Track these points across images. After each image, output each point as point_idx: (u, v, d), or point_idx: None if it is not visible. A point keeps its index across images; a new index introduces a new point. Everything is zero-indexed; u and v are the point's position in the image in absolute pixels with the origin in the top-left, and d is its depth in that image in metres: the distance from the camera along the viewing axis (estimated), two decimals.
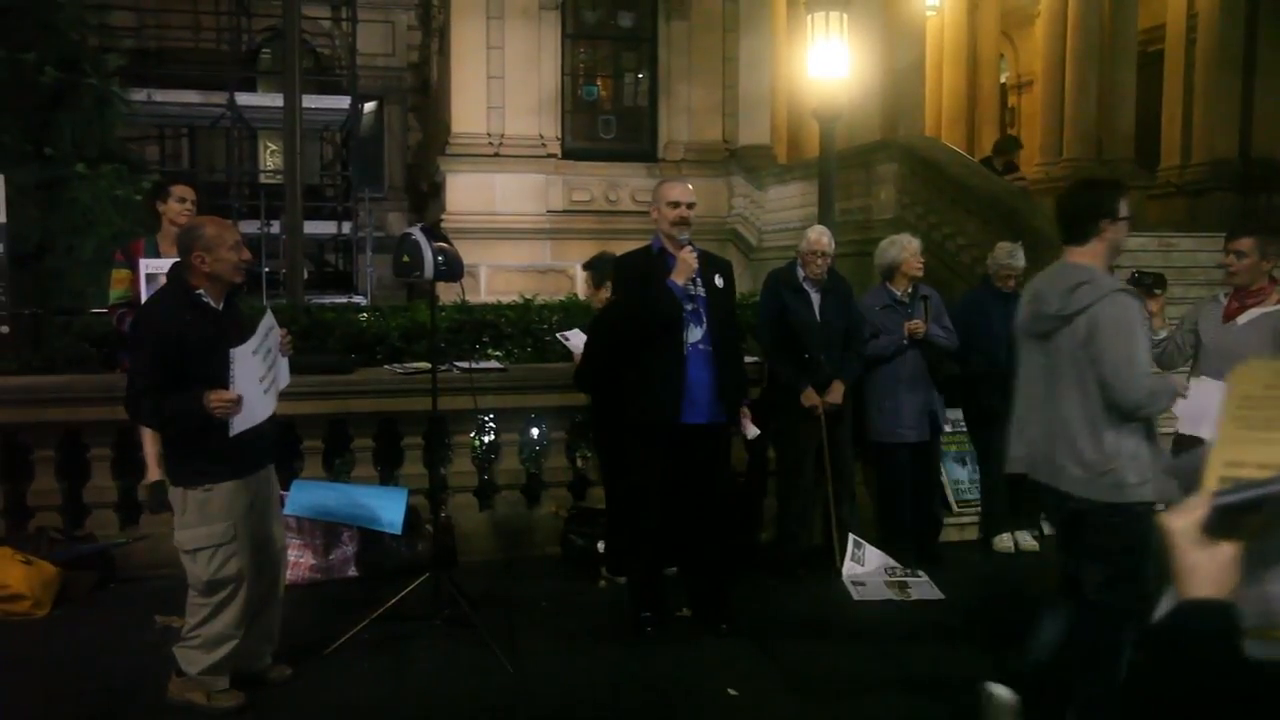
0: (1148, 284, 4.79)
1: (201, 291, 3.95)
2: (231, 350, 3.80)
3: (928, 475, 6.27)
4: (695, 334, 4.79)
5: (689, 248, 4.74)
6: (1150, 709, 1.37)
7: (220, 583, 3.95)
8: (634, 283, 4.91)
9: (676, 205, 4.79)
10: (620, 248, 5.41)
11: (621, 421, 4.99)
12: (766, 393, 6.10)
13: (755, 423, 5.45)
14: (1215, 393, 4.52)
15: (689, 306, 4.77)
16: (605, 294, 5.72)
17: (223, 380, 3.80)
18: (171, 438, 4.03)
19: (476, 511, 6.27)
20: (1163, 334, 4.86)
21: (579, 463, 6.53)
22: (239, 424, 3.83)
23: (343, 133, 17.76)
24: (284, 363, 4.12)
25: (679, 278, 4.69)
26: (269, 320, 4.02)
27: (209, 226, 3.99)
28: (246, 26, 16.63)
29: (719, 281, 4.89)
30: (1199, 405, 4.61)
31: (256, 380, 3.90)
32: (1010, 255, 6.38)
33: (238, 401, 3.79)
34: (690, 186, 4.97)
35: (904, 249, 6.14)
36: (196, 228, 3.99)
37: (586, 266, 6.05)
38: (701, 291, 4.81)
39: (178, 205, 5.21)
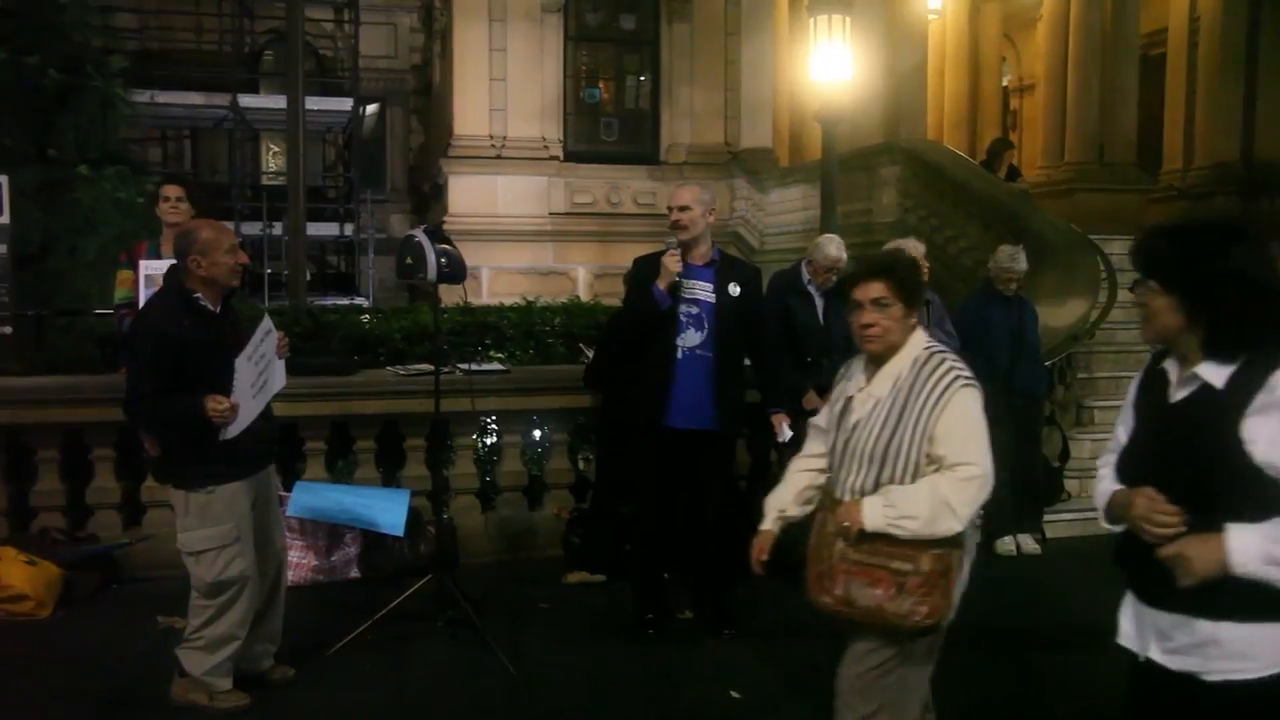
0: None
1: (198, 295, 3.95)
2: (235, 359, 3.83)
3: None
4: (693, 339, 4.74)
5: (672, 252, 4.70)
6: None
7: (224, 584, 3.96)
8: (635, 283, 4.93)
9: (670, 209, 4.80)
10: (622, 250, 5.42)
11: (616, 421, 5.03)
12: None
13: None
14: None
15: (691, 310, 4.74)
16: None
17: (220, 384, 3.82)
18: (171, 441, 4.04)
19: (478, 513, 6.28)
20: None
21: (581, 465, 6.54)
22: (230, 430, 3.86)
23: (345, 134, 17.77)
24: (280, 365, 4.11)
25: (660, 283, 4.68)
26: (266, 324, 4.03)
27: (205, 230, 3.99)
28: (249, 28, 16.65)
29: (734, 290, 4.81)
30: None
31: (249, 385, 3.92)
32: (1011, 258, 6.38)
33: (234, 409, 3.82)
34: (695, 190, 4.85)
35: (908, 254, 6.13)
36: (192, 231, 3.99)
37: None
38: (708, 297, 4.76)
39: (164, 204, 5.23)
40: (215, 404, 3.78)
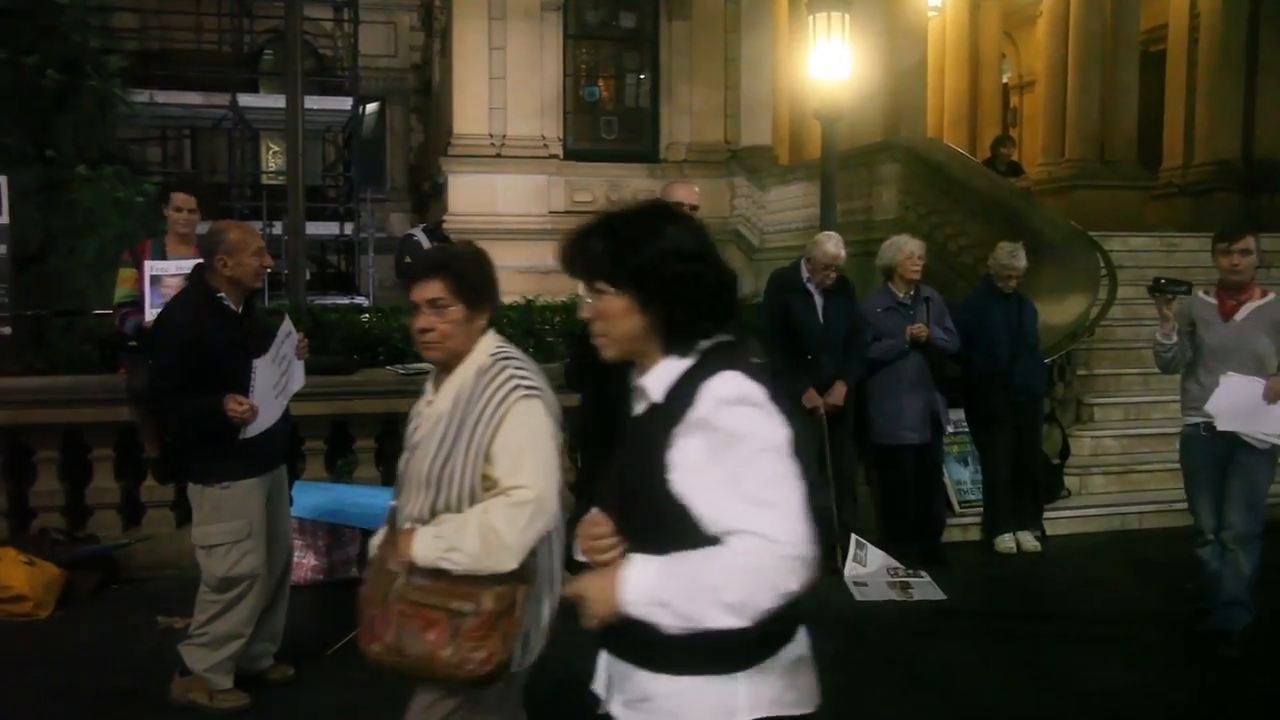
0: (1180, 291, 4.76)
1: (222, 294, 3.98)
2: (254, 361, 3.86)
3: (930, 476, 6.26)
4: None
5: None
6: None
7: (234, 580, 3.98)
8: None
9: (680, 205, 4.81)
10: None
11: (609, 421, 5.01)
12: None
13: None
14: (1248, 387, 4.55)
15: None
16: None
17: (241, 384, 3.86)
18: (188, 437, 4.06)
19: None
20: (1174, 338, 4.82)
21: (581, 463, 6.53)
22: (251, 430, 3.89)
23: (345, 134, 17.77)
24: (299, 366, 4.17)
25: None
26: (287, 326, 4.07)
27: (233, 231, 4.02)
28: (248, 28, 16.66)
29: None
30: (1233, 400, 4.63)
31: (270, 387, 3.96)
32: (1011, 255, 6.37)
33: (253, 410, 3.84)
34: (696, 189, 4.98)
35: (899, 251, 6.13)
36: (221, 231, 4.02)
37: None
38: None
39: (176, 213, 5.22)
40: (235, 405, 3.83)
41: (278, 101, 12.46)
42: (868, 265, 7.21)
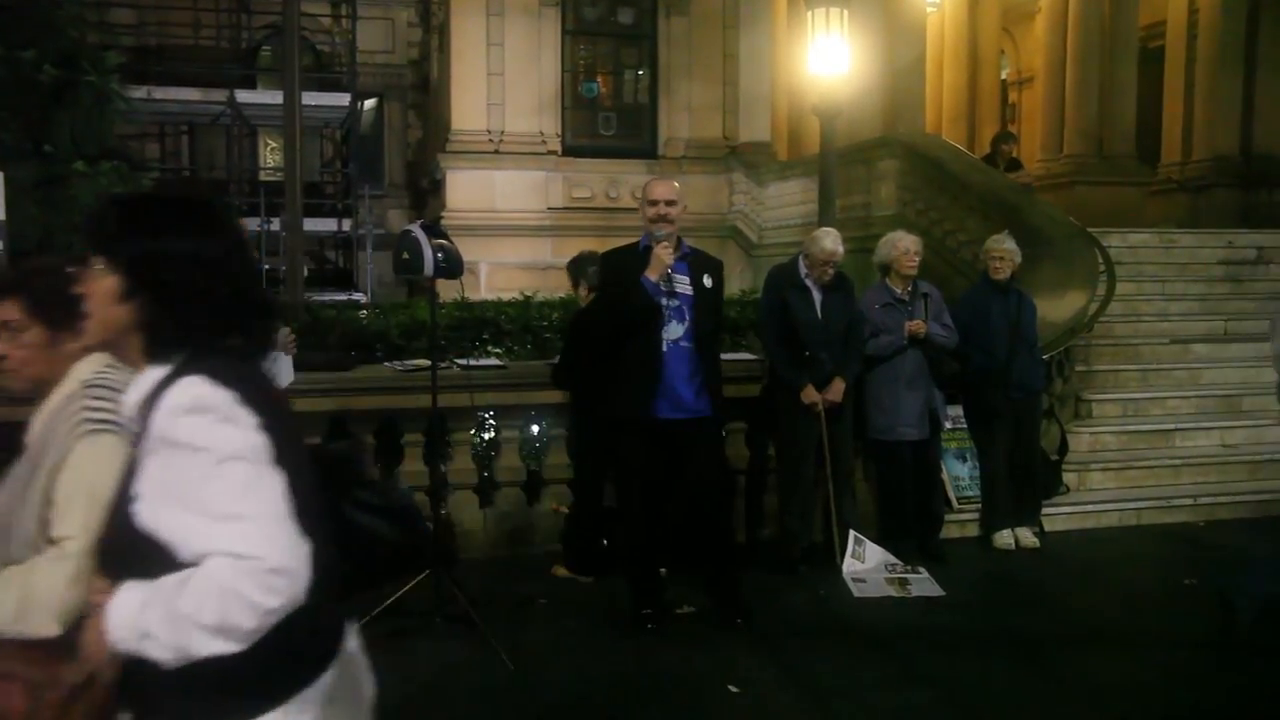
0: None
1: None
2: None
3: (928, 472, 6.26)
4: (676, 331, 4.80)
5: (664, 244, 4.74)
6: None
7: None
8: (613, 279, 4.95)
9: (655, 203, 4.82)
10: (620, 245, 5.41)
11: (602, 418, 5.04)
12: (767, 390, 6.10)
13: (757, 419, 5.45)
14: None
15: (672, 303, 4.78)
16: (584, 292, 5.82)
17: None
18: None
19: (476, 509, 6.27)
20: None
21: (574, 462, 6.54)
22: None
23: (343, 130, 17.75)
24: (286, 361, 4.13)
25: (652, 274, 4.72)
26: None
27: None
28: (246, 24, 16.65)
29: (708, 281, 4.92)
30: None
31: None
32: (997, 241, 6.46)
33: None
34: (675, 185, 4.99)
35: (894, 247, 6.13)
36: None
37: (568, 265, 6.09)
38: (687, 290, 4.83)
39: None
40: None
41: (275, 97, 12.43)
42: (866, 261, 7.21)
